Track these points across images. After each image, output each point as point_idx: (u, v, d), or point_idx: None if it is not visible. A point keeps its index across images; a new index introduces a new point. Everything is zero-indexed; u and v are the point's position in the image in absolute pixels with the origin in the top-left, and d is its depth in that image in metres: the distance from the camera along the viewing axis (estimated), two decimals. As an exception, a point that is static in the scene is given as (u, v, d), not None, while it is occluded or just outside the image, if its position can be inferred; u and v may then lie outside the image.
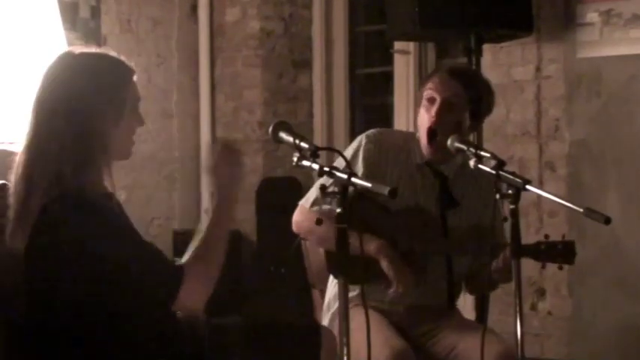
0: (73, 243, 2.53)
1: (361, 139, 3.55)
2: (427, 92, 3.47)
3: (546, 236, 3.34)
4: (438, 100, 3.44)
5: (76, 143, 2.58)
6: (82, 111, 2.60)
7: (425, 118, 3.46)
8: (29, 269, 2.59)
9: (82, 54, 2.69)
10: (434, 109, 3.44)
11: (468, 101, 3.48)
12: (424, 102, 3.48)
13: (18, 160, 2.64)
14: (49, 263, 2.56)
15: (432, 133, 3.44)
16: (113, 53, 2.72)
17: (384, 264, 3.36)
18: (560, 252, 3.28)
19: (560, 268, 3.34)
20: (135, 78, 2.71)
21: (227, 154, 2.76)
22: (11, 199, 2.63)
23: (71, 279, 2.54)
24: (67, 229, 2.54)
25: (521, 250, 3.20)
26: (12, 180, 2.63)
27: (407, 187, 3.48)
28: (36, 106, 2.64)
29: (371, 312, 2.88)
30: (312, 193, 3.51)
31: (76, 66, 2.66)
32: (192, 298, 2.60)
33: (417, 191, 3.50)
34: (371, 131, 3.59)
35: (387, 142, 3.55)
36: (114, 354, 2.60)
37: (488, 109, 3.60)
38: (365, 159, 3.48)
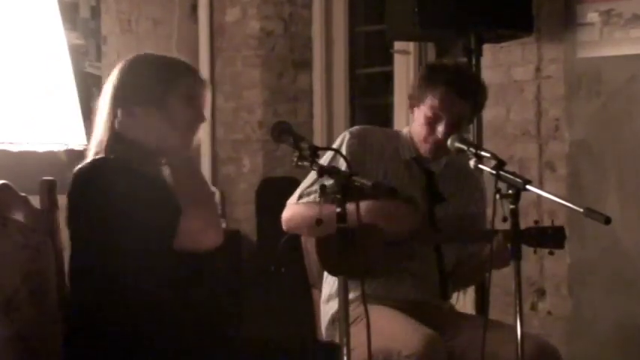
0: (89, 198, 2.86)
1: (344, 135, 3.57)
2: (431, 109, 3.46)
3: (536, 222, 3.41)
4: (445, 119, 3.45)
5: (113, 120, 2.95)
6: (125, 94, 2.98)
7: (425, 130, 3.48)
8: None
9: (146, 54, 3.09)
10: (440, 127, 3.45)
11: (471, 112, 3.54)
12: (426, 115, 3.47)
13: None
14: (74, 213, 2.92)
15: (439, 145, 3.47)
16: (180, 58, 3.15)
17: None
18: (550, 237, 3.35)
19: (552, 254, 3.39)
20: (192, 78, 3.18)
21: None
22: None
23: (88, 226, 2.86)
24: (87, 185, 2.88)
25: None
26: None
27: (394, 183, 3.48)
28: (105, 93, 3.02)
29: (387, 307, 2.88)
30: (299, 190, 3.57)
31: (131, 62, 3.04)
32: (196, 227, 2.84)
33: (404, 186, 3.49)
34: (354, 128, 3.62)
35: (371, 139, 3.57)
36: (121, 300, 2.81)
37: (482, 109, 3.68)
38: (349, 154, 3.46)
